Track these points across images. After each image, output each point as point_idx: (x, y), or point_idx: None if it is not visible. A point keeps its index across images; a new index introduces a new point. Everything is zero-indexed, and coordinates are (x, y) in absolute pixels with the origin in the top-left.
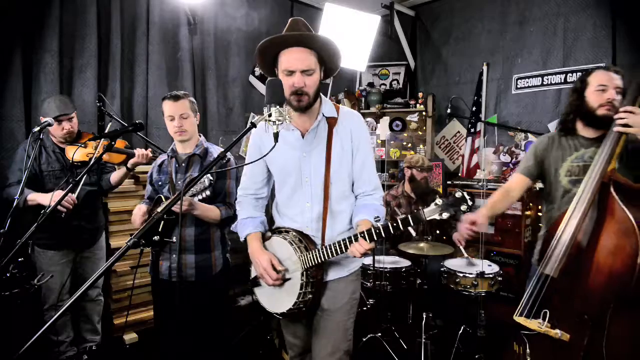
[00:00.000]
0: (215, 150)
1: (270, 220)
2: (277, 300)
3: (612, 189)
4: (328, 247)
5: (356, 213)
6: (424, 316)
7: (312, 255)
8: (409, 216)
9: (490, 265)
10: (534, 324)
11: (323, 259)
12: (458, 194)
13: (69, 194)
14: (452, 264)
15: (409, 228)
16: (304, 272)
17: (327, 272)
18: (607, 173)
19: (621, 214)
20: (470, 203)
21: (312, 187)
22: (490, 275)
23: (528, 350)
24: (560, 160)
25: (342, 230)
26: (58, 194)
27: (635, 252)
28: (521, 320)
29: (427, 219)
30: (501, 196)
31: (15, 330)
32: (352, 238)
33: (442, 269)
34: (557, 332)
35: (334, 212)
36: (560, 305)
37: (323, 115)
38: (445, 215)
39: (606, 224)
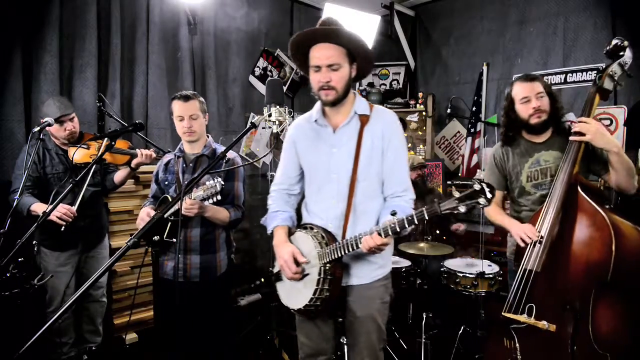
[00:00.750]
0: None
1: (300, 218)
2: (295, 295)
3: (579, 189)
4: (345, 242)
5: (383, 215)
6: (424, 316)
7: (330, 250)
8: (424, 210)
9: (490, 265)
10: (522, 317)
11: (340, 254)
12: (477, 186)
13: (68, 207)
14: (452, 264)
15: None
16: (322, 267)
17: (350, 275)
18: (573, 175)
19: (591, 209)
20: (489, 196)
21: (339, 184)
22: (490, 275)
23: (517, 344)
24: (517, 168)
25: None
26: (60, 208)
27: (610, 241)
28: (509, 315)
29: (443, 211)
30: (500, 209)
31: (16, 330)
32: (368, 232)
33: (442, 269)
34: (544, 324)
35: (358, 212)
36: (545, 298)
37: (355, 113)
38: (462, 209)
39: (578, 219)
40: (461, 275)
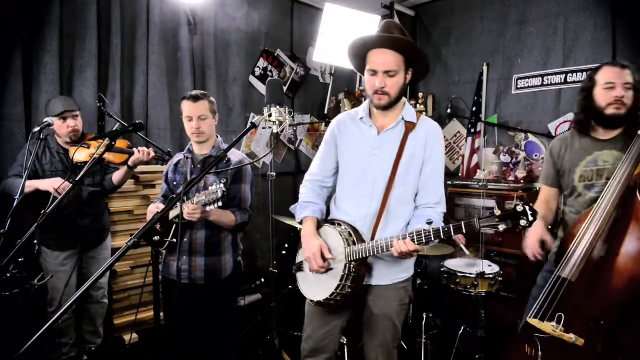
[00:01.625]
0: (232, 153)
1: (327, 212)
2: (316, 287)
3: (638, 193)
4: (374, 243)
5: (412, 223)
6: (424, 316)
7: (358, 249)
8: (462, 223)
9: (490, 265)
10: (547, 327)
11: (367, 254)
12: (519, 207)
13: (64, 182)
14: (452, 264)
15: (462, 245)
16: (347, 265)
17: (371, 276)
18: (633, 177)
19: None
20: (531, 218)
21: (374, 184)
22: (490, 275)
23: (540, 352)
24: (573, 165)
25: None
26: (58, 180)
27: None
28: (535, 322)
29: (481, 227)
30: (544, 209)
31: (16, 330)
32: (400, 237)
33: (442, 269)
34: (571, 337)
35: (390, 215)
36: (576, 309)
37: (402, 118)
38: (501, 227)
39: (630, 229)
40: (461, 275)
